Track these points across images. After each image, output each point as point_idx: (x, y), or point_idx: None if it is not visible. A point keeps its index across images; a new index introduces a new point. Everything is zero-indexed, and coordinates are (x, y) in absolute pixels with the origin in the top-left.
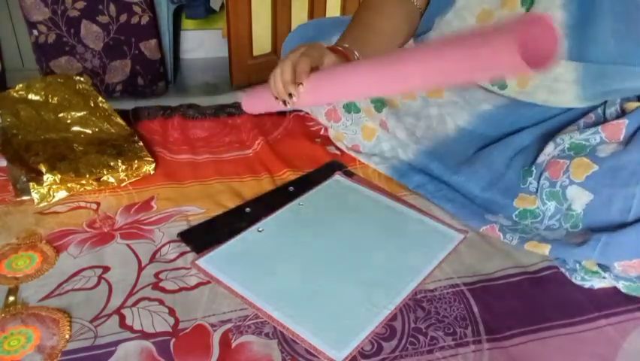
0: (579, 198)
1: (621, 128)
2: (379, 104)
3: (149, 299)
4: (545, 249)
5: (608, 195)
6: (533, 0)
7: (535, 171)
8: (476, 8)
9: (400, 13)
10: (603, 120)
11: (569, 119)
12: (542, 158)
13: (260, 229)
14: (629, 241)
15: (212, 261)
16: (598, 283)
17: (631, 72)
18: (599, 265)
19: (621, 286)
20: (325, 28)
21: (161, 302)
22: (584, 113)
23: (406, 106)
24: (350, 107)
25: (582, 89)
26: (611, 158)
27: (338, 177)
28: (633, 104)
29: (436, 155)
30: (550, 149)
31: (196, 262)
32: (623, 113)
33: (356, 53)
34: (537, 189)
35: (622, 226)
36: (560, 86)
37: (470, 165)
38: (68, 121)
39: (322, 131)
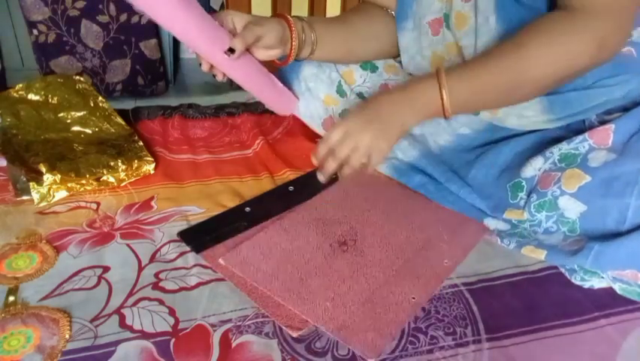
0: (572, 208)
1: (609, 133)
2: None
3: (149, 299)
4: (541, 254)
5: (601, 206)
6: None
7: (525, 186)
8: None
9: (382, 23)
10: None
11: (550, 134)
12: (533, 172)
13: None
14: (621, 251)
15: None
16: (598, 283)
17: (597, 94)
18: None
19: (617, 287)
20: None
21: (161, 302)
22: (564, 128)
23: None
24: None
25: (552, 115)
26: (604, 168)
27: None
28: (615, 115)
29: (423, 166)
30: (539, 163)
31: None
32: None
33: (312, 34)
34: (525, 204)
35: (617, 235)
36: (528, 113)
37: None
38: (68, 121)
39: None
